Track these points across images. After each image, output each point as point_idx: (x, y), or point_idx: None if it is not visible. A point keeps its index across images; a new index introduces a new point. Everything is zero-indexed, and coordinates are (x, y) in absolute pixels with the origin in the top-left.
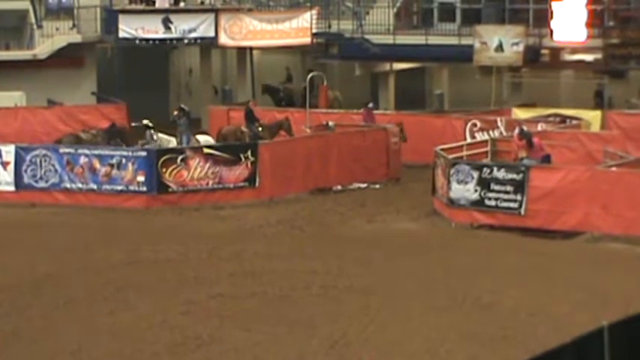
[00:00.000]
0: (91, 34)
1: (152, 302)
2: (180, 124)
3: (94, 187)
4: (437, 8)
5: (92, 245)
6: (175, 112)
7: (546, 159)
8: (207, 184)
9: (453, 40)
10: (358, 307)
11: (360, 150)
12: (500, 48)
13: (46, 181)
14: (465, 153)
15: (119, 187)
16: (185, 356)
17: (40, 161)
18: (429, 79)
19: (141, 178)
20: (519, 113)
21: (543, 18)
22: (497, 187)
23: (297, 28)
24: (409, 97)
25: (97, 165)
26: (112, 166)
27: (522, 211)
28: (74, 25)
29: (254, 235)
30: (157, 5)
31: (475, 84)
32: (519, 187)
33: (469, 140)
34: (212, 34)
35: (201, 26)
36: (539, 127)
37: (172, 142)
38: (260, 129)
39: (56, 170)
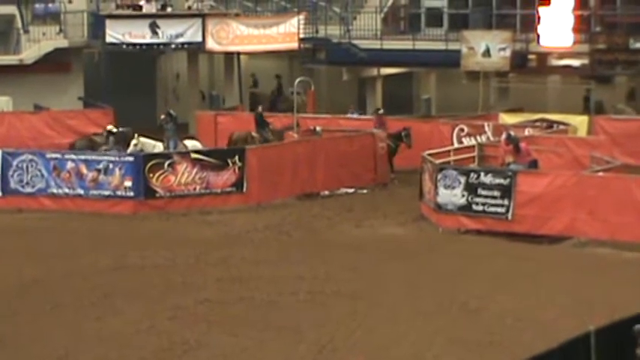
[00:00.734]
0: (78, 39)
1: (139, 308)
2: (167, 129)
3: (81, 192)
4: (424, 13)
5: (79, 251)
6: (162, 117)
7: (533, 164)
8: (195, 189)
9: (440, 46)
10: (345, 312)
11: (348, 155)
12: (487, 53)
13: (33, 187)
14: (452, 158)
15: (106, 193)
16: None
17: (27, 166)
18: (417, 84)
19: (128, 184)
20: (506, 118)
21: (530, 23)
22: (484, 192)
23: (285, 33)
24: (396, 102)
25: (84, 170)
26: (99, 171)
27: (509, 216)
28: (61, 30)
29: (241, 241)
30: (144, 10)
31: (462, 89)
32: (506, 192)
33: (456, 145)
34: (199, 39)
35: (188, 31)
36: (527, 132)
37: (158, 146)
38: (270, 134)
39: (43, 175)
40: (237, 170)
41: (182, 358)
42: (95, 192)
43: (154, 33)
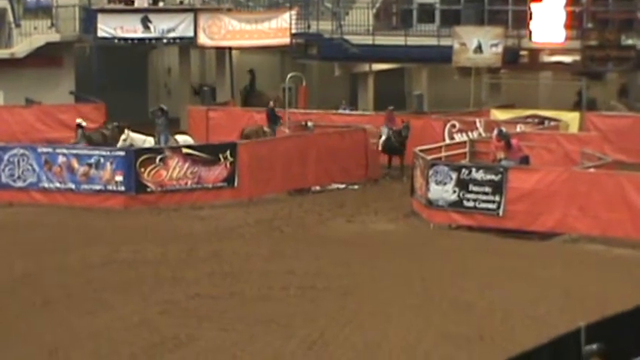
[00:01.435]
0: (70, 34)
1: (130, 302)
2: (158, 124)
3: (72, 186)
4: (416, 9)
5: (70, 245)
6: (151, 110)
7: (524, 160)
8: (186, 184)
9: (432, 41)
10: (336, 307)
11: (339, 151)
12: (479, 49)
13: (24, 181)
14: (443, 154)
15: (97, 187)
16: (163, 356)
17: (18, 160)
18: (408, 80)
19: (119, 178)
20: (498, 114)
21: (522, 19)
22: (475, 188)
23: (277, 29)
24: (388, 98)
25: (75, 164)
26: (90, 165)
27: (500, 212)
28: (52, 24)
29: (232, 236)
30: (136, 5)
31: (454, 85)
32: (497, 188)
33: (448, 141)
34: (191, 33)
35: (180, 26)
36: (518, 128)
37: (148, 141)
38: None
39: (34, 170)
40: (228, 165)
41: (173, 353)
42: (86, 186)
43: (146, 27)
